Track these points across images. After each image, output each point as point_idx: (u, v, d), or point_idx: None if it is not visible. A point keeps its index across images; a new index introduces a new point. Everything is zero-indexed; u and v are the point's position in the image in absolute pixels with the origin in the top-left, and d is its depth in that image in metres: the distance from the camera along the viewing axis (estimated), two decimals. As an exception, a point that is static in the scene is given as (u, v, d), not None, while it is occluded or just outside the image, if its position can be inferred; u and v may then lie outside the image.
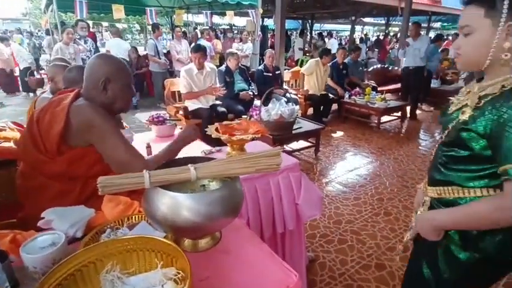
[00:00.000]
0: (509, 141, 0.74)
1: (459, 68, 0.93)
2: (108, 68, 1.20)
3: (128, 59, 5.94)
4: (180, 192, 0.75)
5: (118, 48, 5.87)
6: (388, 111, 4.97)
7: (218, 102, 3.97)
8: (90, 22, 11.09)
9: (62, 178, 1.14)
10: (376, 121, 4.91)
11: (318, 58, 4.97)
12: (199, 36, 7.76)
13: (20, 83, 7.26)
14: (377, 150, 4.05)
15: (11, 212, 1.32)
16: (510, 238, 0.83)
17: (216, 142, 1.86)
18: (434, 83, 6.43)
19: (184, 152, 1.42)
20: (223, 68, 4.31)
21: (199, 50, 3.69)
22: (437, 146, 0.99)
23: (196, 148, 2.01)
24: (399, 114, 5.29)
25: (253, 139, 1.65)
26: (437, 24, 18.06)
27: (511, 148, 0.74)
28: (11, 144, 2.28)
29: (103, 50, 7.03)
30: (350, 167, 3.53)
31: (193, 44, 4.99)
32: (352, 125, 5.08)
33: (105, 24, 13.56)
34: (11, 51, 7.00)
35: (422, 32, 5.35)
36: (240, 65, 4.48)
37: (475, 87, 0.88)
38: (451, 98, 0.99)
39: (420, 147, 4.22)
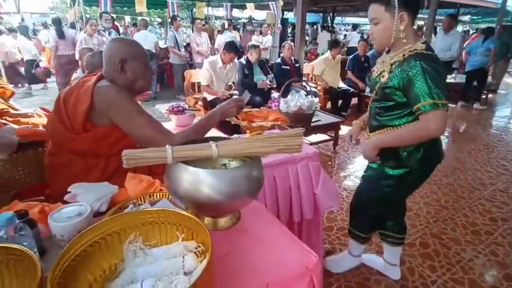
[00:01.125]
0: (415, 89, 1.14)
1: (375, 47, 1.33)
2: (123, 49, 1.24)
3: (154, 51, 6.05)
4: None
5: (144, 40, 5.98)
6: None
7: (235, 92, 3.97)
8: (113, 15, 11.35)
9: (87, 155, 1.19)
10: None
11: (327, 54, 4.94)
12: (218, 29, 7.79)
13: (24, 74, 7.14)
14: (398, 146, 3.93)
15: (39, 191, 1.39)
16: (426, 155, 1.29)
17: (234, 131, 1.86)
18: (462, 78, 6.15)
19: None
20: (243, 60, 4.30)
21: (236, 50, 3.72)
22: (370, 103, 1.41)
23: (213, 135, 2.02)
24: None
25: (272, 126, 1.64)
26: (466, 17, 17.26)
27: (417, 93, 1.13)
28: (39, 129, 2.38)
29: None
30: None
31: (226, 40, 4.95)
32: (372, 119, 4.96)
33: (127, 19, 13.81)
34: (16, 44, 7.07)
35: (455, 28, 5.20)
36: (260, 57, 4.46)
37: (387, 58, 1.28)
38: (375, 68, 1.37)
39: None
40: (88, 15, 9.14)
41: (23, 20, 11.98)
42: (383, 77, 1.26)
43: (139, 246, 0.66)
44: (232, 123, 1.60)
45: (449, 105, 1.19)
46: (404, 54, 1.20)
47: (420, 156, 1.29)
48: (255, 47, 4.30)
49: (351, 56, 4.97)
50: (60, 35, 5.59)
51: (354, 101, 5.22)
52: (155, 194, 0.92)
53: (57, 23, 5.90)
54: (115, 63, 1.21)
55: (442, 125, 1.13)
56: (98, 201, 0.86)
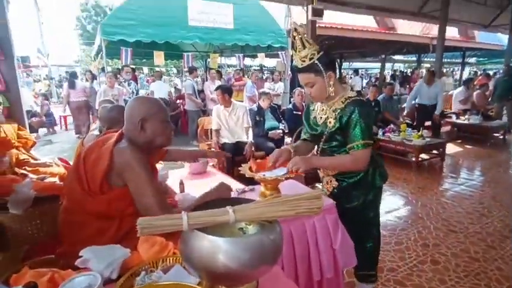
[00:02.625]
0: (353, 131, 1.45)
1: (314, 101, 1.65)
2: (143, 108, 1.27)
3: (168, 99, 6.47)
4: (217, 235, 0.72)
5: (159, 89, 6.52)
6: (426, 148, 4.73)
7: (245, 139, 3.94)
8: (133, 67, 12.16)
9: (101, 216, 1.17)
10: (414, 159, 4.65)
11: None
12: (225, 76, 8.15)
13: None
14: (417, 190, 3.79)
15: (51, 247, 1.35)
16: (382, 172, 1.66)
17: (250, 180, 1.84)
18: (475, 119, 6.11)
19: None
20: (254, 107, 4.41)
21: (218, 88, 3.92)
22: (319, 146, 1.67)
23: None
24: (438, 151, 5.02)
25: (287, 178, 1.61)
26: (473, 59, 17.64)
27: (355, 134, 1.45)
28: (56, 179, 2.41)
29: (142, 92, 7.59)
30: (387, 207, 3.31)
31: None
32: (388, 163, 4.83)
33: (145, 69, 14.74)
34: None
35: (436, 79, 5.92)
36: (271, 103, 4.58)
37: (325, 107, 1.58)
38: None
39: (464, 187, 3.89)
40: (110, 67, 9.83)
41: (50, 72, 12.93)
42: (329, 123, 1.54)
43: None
44: (247, 176, 1.58)
45: (466, 146, 1.18)
46: (342, 102, 1.51)
47: (377, 177, 1.64)
48: (266, 93, 4.44)
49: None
50: (71, 85, 6.55)
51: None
52: (168, 259, 0.88)
53: (72, 75, 6.92)
54: (135, 122, 1.24)
55: (367, 160, 1.50)
56: (109, 267, 0.82)
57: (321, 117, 1.60)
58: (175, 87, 7.90)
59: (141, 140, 1.25)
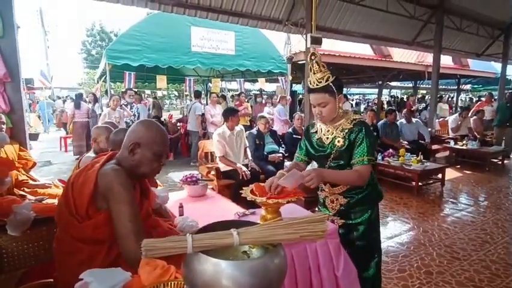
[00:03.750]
0: (360, 148, 1.58)
1: (323, 122, 1.70)
2: (144, 133, 1.22)
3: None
4: (220, 258, 0.72)
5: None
6: (426, 174, 4.74)
7: (248, 163, 4.00)
8: (136, 90, 12.40)
9: (90, 242, 1.13)
10: (414, 184, 4.64)
11: None
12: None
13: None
14: (418, 216, 3.76)
15: (49, 271, 1.33)
16: (372, 185, 1.72)
17: (250, 204, 1.83)
18: (473, 145, 6.17)
19: (220, 214, 1.40)
20: (254, 131, 4.45)
21: (234, 111, 3.92)
22: (325, 165, 1.71)
23: (229, 209, 1.98)
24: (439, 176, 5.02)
25: (288, 202, 1.60)
26: (467, 86, 18.04)
27: (361, 151, 1.57)
28: (55, 201, 2.39)
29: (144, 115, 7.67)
30: (389, 233, 3.27)
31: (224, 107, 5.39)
32: (387, 187, 4.84)
33: (147, 92, 15.01)
34: None
35: (414, 119, 6.39)
36: (270, 127, 4.62)
37: (331, 128, 1.67)
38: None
39: (465, 213, 3.86)
40: (112, 90, 10.02)
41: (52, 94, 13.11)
42: (338, 142, 1.64)
43: None
44: (248, 199, 1.57)
45: (465, 171, 1.18)
46: (349, 122, 1.64)
47: (377, 193, 1.78)
48: (261, 117, 4.49)
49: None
50: (77, 106, 6.83)
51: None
52: (170, 283, 0.86)
53: (78, 97, 7.17)
54: (129, 143, 1.21)
55: (369, 175, 1.62)
56: (110, 291, 0.80)
57: (327, 138, 1.68)
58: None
59: (128, 163, 1.22)
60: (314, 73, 1.58)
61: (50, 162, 6.82)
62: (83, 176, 1.20)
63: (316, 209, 1.93)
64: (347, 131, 1.62)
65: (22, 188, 2.78)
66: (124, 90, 6.84)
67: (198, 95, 6.78)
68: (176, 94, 22.28)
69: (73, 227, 1.15)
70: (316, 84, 1.57)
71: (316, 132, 1.76)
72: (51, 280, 1.21)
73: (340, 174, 1.64)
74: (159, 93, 15.44)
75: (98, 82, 9.11)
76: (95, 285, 0.82)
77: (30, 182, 2.97)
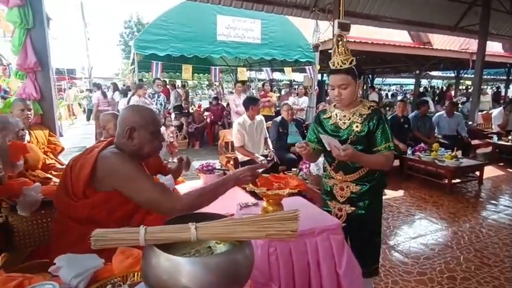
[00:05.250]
0: (382, 134, 1.62)
1: (339, 106, 1.72)
2: (134, 117, 1.27)
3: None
4: (182, 253, 0.67)
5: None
6: (461, 171, 4.37)
7: (267, 152, 3.95)
8: (167, 80, 12.72)
9: (85, 221, 1.17)
10: (446, 181, 4.29)
11: None
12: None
13: None
14: (448, 216, 3.48)
15: (47, 253, 1.38)
16: (383, 174, 1.76)
17: (255, 194, 1.78)
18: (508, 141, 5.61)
19: (221, 203, 1.36)
20: (278, 118, 4.35)
21: (255, 100, 3.88)
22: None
23: (234, 198, 1.94)
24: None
25: (290, 194, 1.53)
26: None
27: (383, 136, 1.62)
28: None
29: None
30: (413, 233, 3.06)
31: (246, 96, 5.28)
32: (417, 184, 4.55)
33: (178, 82, 15.37)
34: None
35: (457, 112, 5.83)
36: (296, 117, 4.47)
37: (348, 113, 1.69)
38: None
39: (503, 215, 3.51)
40: (145, 79, 10.36)
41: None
42: (356, 127, 1.66)
43: None
44: (248, 189, 1.52)
45: (509, 170, 1.03)
46: (367, 108, 1.67)
47: (383, 181, 1.81)
48: (285, 104, 4.38)
49: (388, 117, 4.81)
50: (104, 94, 7.41)
51: (396, 163, 4.90)
52: (139, 274, 0.84)
53: (99, 87, 7.65)
54: (124, 130, 1.25)
55: (393, 160, 1.72)
56: (78, 277, 0.80)
57: (344, 123, 1.70)
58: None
59: (129, 148, 1.26)
60: (339, 54, 1.60)
61: (85, 147, 7.23)
62: (82, 159, 1.26)
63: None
64: (365, 116, 1.64)
65: (50, 171, 2.95)
66: (153, 79, 7.01)
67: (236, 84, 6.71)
68: (208, 84, 22.58)
69: (70, 207, 1.20)
70: (340, 66, 1.59)
71: (330, 117, 1.76)
72: (47, 260, 1.24)
73: (370, 157, 1.64)
74: (190, 83, 15.74)
75: (131, 72, 9.45)
76: (65, 270, 0.82)
77: (58, 165, 3.15)
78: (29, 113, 2.82)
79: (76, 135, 8.79)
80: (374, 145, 1.63)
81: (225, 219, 0.71)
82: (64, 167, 3.10)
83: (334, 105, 1.76)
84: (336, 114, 1.73)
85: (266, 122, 4.04)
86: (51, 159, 3.16)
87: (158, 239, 0.65)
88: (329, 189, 1.81)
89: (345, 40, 1.62)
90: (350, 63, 1.58)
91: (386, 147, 1.61)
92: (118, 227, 1.15)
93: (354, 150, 1.54)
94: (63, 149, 3.44)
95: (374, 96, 10.35)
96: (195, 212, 0.91)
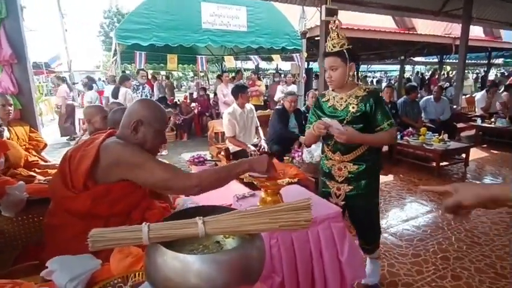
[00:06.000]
0: (380, 113, 1.72)
1: (332, 87, 1.83)
2: (144, 111, 1.24)
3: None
4: (189, 250, 0.62)
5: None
6: (448, 153, 4.46)
7: (257, 141, 3.88)
8: (151, 71, 12.38)
9: (85, 215, 1.13)
10: (435, 164, 4.37)
11: None
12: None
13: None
14: (437, 198, 3.55)
15: (39, 253, 1.30)
16: (378, 155, 1.88)
17: (253, 185, 1.74)
18: (502, 122, 5.74)
19: (216, 195, 1.32)
20: (280, 107, 4.19)
21: (243, 88, 3.79)
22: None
23: (229, 191, 1.90)
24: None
25: (289, 183, 1.49)
26: (499, 60, 16.81)
27: (382, 115, 1.72)
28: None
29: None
30: (404, 216, 3.11)
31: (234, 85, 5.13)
32: (406, 168, 4.62)
33: (163, 72, 15.00)
34: None
35: (444, 97, 5.93)
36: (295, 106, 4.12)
37: (344, 96, 1.78)
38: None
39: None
40: (128, 72, 10.04)
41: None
42: (352, 108, 1.74)
43: None
44: (245, 180, 1.47)
45: (492, 151, 1.03)
46: (363, 90, 1.76)
47: (379, 161, 1.93)
48: (289, 94, 4.12)
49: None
50: (70, 88, 7.43)
51: (385, 148, 4.95)
52: (142, 273, 0.79)
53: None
54: (130, 121, 1.22)
55: (396, 136, 1.87)
56: (73, 281, 0.74)
57: (341, 104, 1.79)
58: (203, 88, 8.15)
59: (130, 141, 1.21)
60: (332, 39, 1.72)
61: (69, 144, 7.00)
62: (81, 150, 1.21)
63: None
64: (361, 98, 1.74)
65: (33, 169, 2.81)
66: (136, 70, 6.78)
67: (219, 76, 6.56)
68: (192, 75, 22.20)
69: (68, 200, 1.15)
70: (331, 49, 1.71)
71: (328, 100, 1.86)
72: (37, 262, 1.17)
73: (372, 136, 1.74)
74: (175, 75, 15.41)
75: (114, 64, 9.14)
76: (59, 274, 0.75)
77: (41, 162, 3.01)
78: (10, 108, 2.67)
79: (58, 131, 8.48)
80: (377, 125, 1.73)
81: (234, 211, 0.66)
82: (48, 163, 3.02)
83: (332, 90, 1.86)
84: (333, 97, 1.83)
85: (250, 108, 3.89)
86: (34, 156, 3.01)
87: (163, 236, 0.60)
88: (327, 170, 1.90)
89: (339, 25, 1.73)
90: (341, 46, 1.69)
91: (388, 124, 1.71)
92: (118, 221, 1.11)
93: (354, 131, 1.67)
94: (46, 145, 3.29)
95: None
96: (194, 206, 0.86)
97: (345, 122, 1.74)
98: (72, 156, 1.21)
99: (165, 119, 1.33)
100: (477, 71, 22.20)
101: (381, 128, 1.72)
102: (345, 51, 1.69)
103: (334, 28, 1.72)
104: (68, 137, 7.34)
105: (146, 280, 0.64)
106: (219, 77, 6.39)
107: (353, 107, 1.74)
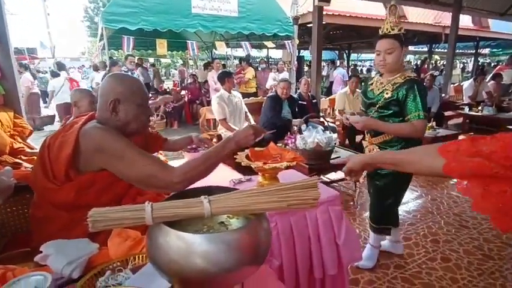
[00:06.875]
0: (412, 103, 1.70)
1: (383, 71, 1.84)
2: (119, 88, 1.11)
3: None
4: (192, 231, 0.60)
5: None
6: (437, 141, 4.53)
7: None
8: (136, 58, 12.04)
9: (71, 207, 1.04)
10: (424, 151, 4.44)
11: (346, 88, 5.01)
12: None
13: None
14: (427, 184, 3.62)
15: (28, 241, 1.26)
16: (408, 144, 1.72)
17: (248, 170, 1.71)
18: (489, 111, 5.85)
19: (211, 181, 1.29)
20: (273, 94, 4.16)
21: (228, 73, 3.87)
22: (372, 113, 1.88)
23: (224, 176, 1.87)
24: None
25: (287, 167, 1.48)
26: (486, 50, 17.06)
27: (413, 106, 1.69)
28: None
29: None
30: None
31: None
32: (396, 155, 4.68)
33: (151, 60, 14.65)
34: None
35: (435, 86, 6.04)
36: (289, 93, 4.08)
37: (384, 80, 1.83)
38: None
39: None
40: (115, 58, 9.75)
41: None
42: (386, 93, 1.77)
43: None
44: (243, 164, 1.45)
45: None
46: (402, 78, 1.76)
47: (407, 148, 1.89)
48: (283, 80, 4.10)
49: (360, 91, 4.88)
50: (34, 76, 6.94)
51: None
52: (141, 256, 0.76)
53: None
54: (107, 102, 1.09)
55: (425, 129, 1.75)
56: (71, 265, 0.71)
57: (378, 89, 1.86)
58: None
59: (113, 124, 1.10)
60: (389, 22, 1.73)
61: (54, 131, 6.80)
62: (60, 137, 1.10)
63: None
64: (398, 85, 1.76)
65: (19, 156, 2.72)
66: (125, 56, 6.58)
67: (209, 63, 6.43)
68: (182, 63, 21.77)
69: (51, 192, 1.06)
70: (389, 31, 1.73)
71: (372, 84, 1.95)
72: (29, 249, 1.13)
73: (391, 125, 1.79)
74: (163, 61, 15.08)
75: (98, 49, 8.84)
76: (55, 258, 0.72)
77: (27, 149, 2.91)
78: (-5, 94, 2.54)
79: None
80: (406, 114, 1.73)
81: (240, 190, 0.63)
82: (34, 151, 2.92)
83: (380, 75, 1.90)
84: (376, 81, 1.92)
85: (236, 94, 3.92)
86: (19, 143, 2.91)
87: (167, 215, 0.57)
88: (364, 151, 2.08)
89: (398, 9, 1.77)
90: (399, 30, 1.72)
91: (414, 116, 1.69)
92: None
93: (370, 119, 1.80)
94: (31, 131, 3.18)
95: (338, 72, 9.71)
96: (194, 188, 0.81)
97: (377, 106, 1.82)
98: (51, 144, 1.11)
99: (144, 90, 1.18)
100: (464, 60, 22.47)
101: (408, 118, 1.72)
102: (401, 35, 1.72)
103: (393, 11, 1.74)
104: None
105: (149, 261, 0.62)
106: (206, 65, 6.26)
107: (387, 93, 1.77)
